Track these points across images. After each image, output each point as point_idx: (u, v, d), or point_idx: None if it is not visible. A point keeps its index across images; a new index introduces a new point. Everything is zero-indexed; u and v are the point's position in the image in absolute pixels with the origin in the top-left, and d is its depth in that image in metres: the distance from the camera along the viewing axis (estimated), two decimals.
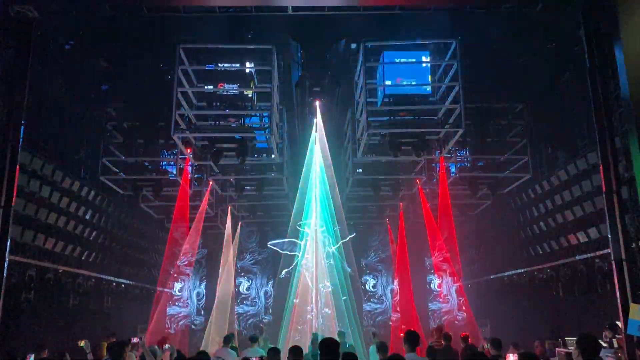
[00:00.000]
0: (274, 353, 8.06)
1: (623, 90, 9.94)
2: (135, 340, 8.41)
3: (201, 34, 13.21)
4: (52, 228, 13.19)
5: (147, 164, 16.84)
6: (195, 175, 17.47)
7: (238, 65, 13.59)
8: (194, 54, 13.71)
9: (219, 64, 13.72)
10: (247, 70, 13.53)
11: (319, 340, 5.97)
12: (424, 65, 13.66)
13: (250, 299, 23.64)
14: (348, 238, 17.03)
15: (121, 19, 12.20)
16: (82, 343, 10.79)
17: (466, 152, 17.28)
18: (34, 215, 12.30)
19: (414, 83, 13.59)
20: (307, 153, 16.41)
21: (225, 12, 11.62)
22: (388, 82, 13.48)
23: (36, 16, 10.73)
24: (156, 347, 9.81)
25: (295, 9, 11.33)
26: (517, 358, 6.75)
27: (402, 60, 13.63)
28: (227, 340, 11.40)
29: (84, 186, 14.88)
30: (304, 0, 10.89)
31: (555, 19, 12.46)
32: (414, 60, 13.65)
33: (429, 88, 13.88)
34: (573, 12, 11.48)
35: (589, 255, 12.80)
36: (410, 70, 13.61)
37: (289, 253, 18.41)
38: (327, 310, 17.37)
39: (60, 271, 13.41)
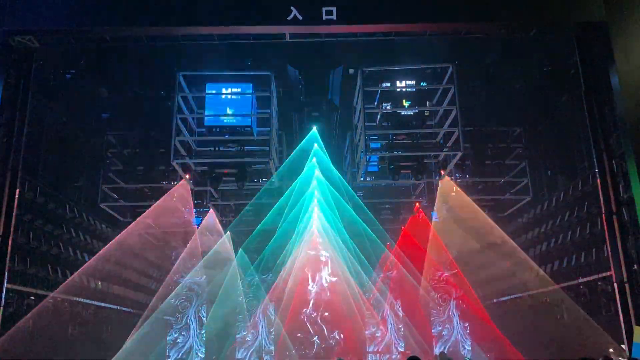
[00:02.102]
0: None
1: (619, 113, 10.02)
2: None
3: (201, 61, 13.38)
4: (51, 256, 13.15)
5: (147, 190, 16.83)
6: (195, 201, 17.43)
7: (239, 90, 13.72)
8: (194, 82, 13.86)
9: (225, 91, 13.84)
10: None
11: None
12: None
13: (251, 325, 23.28)
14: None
15: (121, 48, 12.38)
16: None
17: (466, 175, 17.28)
18: (33, 242, 12.28)
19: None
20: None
21: (224, 40, 11.77)
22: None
23: (37, 46, 10.91)
24: None
25: (292, 36, 11.48)
26: None
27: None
28: None
29: (83, 213, 14.88)
30: (300, 28, 11.02)
31: (550, 44, 12.63)
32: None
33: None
34: (567, 37, 11.64)
35: (591, 277, 12.70)
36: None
37: None
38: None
39: (58, 299, 13.31)
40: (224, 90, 13.73)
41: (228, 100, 13.64)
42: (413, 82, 13.92)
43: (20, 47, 10.80)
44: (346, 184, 16.61)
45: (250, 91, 13.60)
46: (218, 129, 14.05)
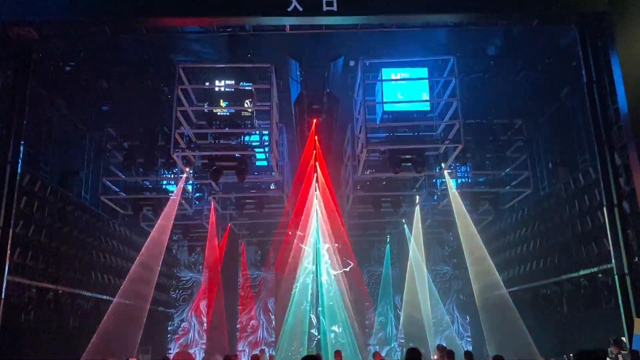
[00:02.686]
0: None
1: (621, 104, 9.96)
2: None
3: (200, 54, 13.33)
4: (52, 249, 13.16)
5: (147, 183, 16.84)
6: (196, 194, 17.44)
7: (234, 82, 13.66)
8: (194, 74, 13.81)
9: (218, 83, 13.79)
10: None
11: None
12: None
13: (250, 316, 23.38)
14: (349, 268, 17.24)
15: (121, 40, 12.31)
16: None
17: (467, 168, 17.25)
18: (34, 236, 12.29)
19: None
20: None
21: (224, 31, 11.70)
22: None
23: (36, 38, 10.83)
24: None
25: (292, 27, 11.41)
26: None
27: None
28: None
29: (84, 206, 14.88)
30: (301, 19, 10.96)
31: (552, 35, 12.57)
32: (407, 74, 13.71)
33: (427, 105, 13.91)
34: (570, 28, 11.57)
35: (592, 269, 12.70)
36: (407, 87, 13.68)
37: None
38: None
39: (60, 292, 13.34)
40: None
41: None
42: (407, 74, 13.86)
43: (19, 38, 10.73)
44: None
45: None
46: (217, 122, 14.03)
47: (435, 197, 17.77)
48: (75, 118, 15.07)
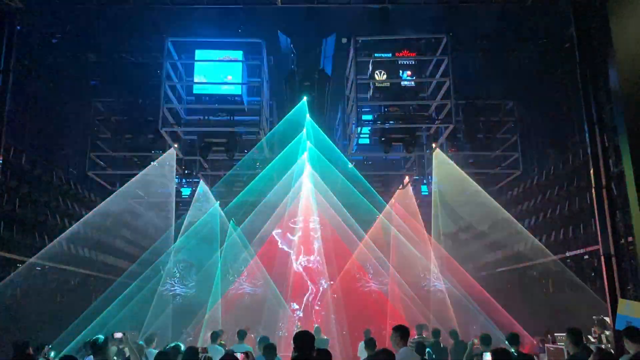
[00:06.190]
0: (269, 350, 7.70)
1: (613, 86, 9.93)
2: (118, 335, 8.20)
3: (190, 27, 13.06)
4: (38, 223, 13.02)
5: (135, 159, 16.62)
6: (185, 171, 17.25)
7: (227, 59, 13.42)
8: (183, 49, 13.55)
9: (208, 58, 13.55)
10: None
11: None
12: None
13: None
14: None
15: (109, 11, 12.03)
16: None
17: (457, 148, 17.17)
18: (20, 210, 12.14)
19: None
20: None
21: (214, 3, 11.46)
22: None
23: (20, 7, 10.55)
24: (142, 342, 9.63)
25: (284, 1, 11.21)
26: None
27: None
28: (215, 337, 11.24)
29: (70, 181, 14.70)
30: None
31: (546, 16, 12.45)
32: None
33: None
34: (564, 9, 11.47)
35: (578, 251, 12.80)
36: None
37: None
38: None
39: (46, 267, 13.24)
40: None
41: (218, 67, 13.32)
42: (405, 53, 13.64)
43: (2, 8, 10.45)
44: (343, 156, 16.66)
45: (241, 58, 13.32)
46: (207, 98, 13.79)
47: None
48: (62, 92, 14.79)
